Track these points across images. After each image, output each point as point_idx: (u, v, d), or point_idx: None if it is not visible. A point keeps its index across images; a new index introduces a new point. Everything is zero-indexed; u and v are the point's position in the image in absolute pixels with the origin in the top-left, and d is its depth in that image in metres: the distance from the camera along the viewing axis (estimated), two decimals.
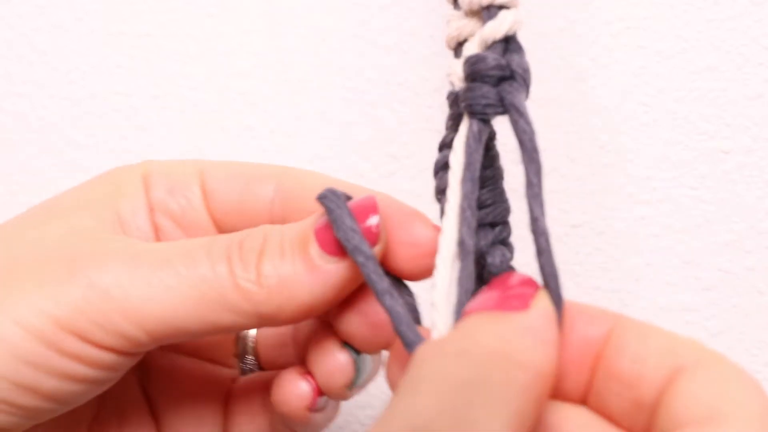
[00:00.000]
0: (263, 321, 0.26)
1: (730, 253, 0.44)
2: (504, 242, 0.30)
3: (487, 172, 0.29)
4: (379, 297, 0.25)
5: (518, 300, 0.24)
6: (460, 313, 0.24)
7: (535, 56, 0.44)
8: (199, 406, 0.32)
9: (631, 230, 0.45)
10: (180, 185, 0.31)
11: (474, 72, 0.27)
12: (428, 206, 0.45)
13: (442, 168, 0.28)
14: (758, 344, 0.45)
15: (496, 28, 0.27)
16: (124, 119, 0.47)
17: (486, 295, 0.24)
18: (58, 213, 0.29)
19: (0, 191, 0.48)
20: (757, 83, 0.43)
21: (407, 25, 0.45)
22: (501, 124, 0.28)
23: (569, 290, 0.45)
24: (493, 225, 0.29)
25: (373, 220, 0.27)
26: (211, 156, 0.46)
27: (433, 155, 0.45)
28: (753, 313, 0.45)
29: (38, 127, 0.47)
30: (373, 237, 0.27)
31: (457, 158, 0.27)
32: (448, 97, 0.29)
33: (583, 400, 0.24)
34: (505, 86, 0.26)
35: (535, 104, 0.44)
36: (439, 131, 0.45)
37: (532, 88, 0.44)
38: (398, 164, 0.45)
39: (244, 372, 0.33)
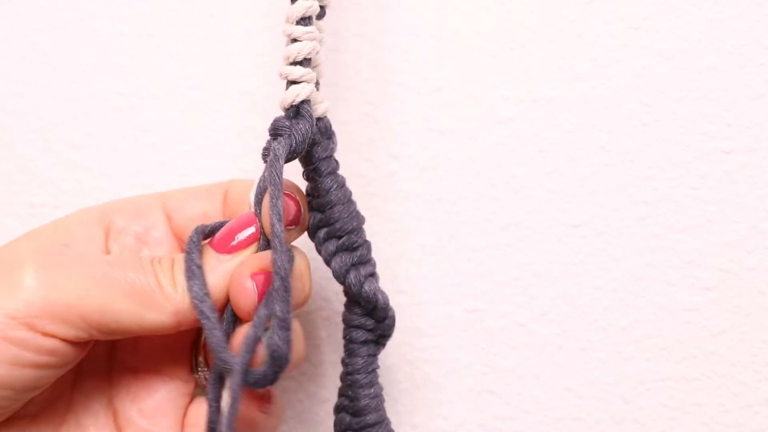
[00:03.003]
0: (177, 321, 0.33)
1: (730, 253, 0.44)
2: (349, 249, 0.38)
3: (322, 199, 0.38)
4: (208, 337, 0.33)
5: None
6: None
7: (535, 56, 0.44)
8: (162, 420, 0.37)
9: (632, 230, 0.45)
10: (141, 212, 0.38)
11: (270, 131, 0.37)
12: (429, 206, 0.46)
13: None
14: (759, 344, 0.45)
15: (284, 98, 0.37)
16: (124, 119, 0.47)
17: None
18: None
19: (0, 191, 0.48)
20: (758, 83, 0.43)
21: (408, 25, 0.45)
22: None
23: (570, 290, 0.45)
24: (338, 237, 0.38)
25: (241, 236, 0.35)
26: (212, 156, 0.46)
27: (434, 155, 0.45)
28: (754, 313, 0.45)
29: (38, 127, 0.47)
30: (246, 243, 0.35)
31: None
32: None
33: None
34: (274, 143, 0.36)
35: (536, 104, 0.44)
36: (440, 131, 0.45)
37: (533, 88, 0.44)
38: (398, 164, 0.45)
39: (198, 383, 0.38)
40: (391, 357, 0.46)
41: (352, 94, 0.45)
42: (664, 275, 0.45)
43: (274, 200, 0.33)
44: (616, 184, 0.44)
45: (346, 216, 0.38)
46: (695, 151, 0.44)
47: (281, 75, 0.37)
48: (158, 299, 0.33)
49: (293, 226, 0.37)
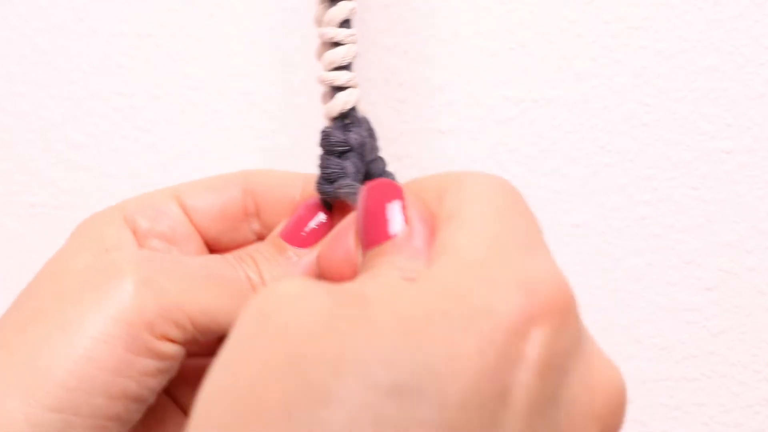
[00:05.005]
0: None
1: (731, 254, 0.44)
2: None
3: None
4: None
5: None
6: None
7: (535, 56, 0.44)
8: None
9: (632, 230, 0.45)
10: (161, 211, 0.35)
11: (322, 146, 0.35)
12: None
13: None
14: (759, 344, 0.45)
15: (332, 107, 0.35)
16: (124, 119, 0.47)
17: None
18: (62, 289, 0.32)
19: (0, 191, 0.48)
20: (758, 83, 0.43)
21: (408, 25, 0.45)
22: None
23: None
24: None
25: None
26: (212, 156, 0.46)
27: (434, 155, 0.45)
28: (754, 313, 0.45)
29: (39, 127, 0.47)
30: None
31: None
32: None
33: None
34: (344, 161, 0.34)
35: (536, 104, 0.44)
36: (440, 131, 0.45)
37: (533, 88, 0.44)
38: (398, 164, 0.45)
39: None
40: None
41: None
42: (665, 275, 0.45)
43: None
44: (617, 184, 0.44)
45: None
46: (695, 151, 0.44)
47: (323, 81, 0.35)
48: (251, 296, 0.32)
49: None
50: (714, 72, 0.43)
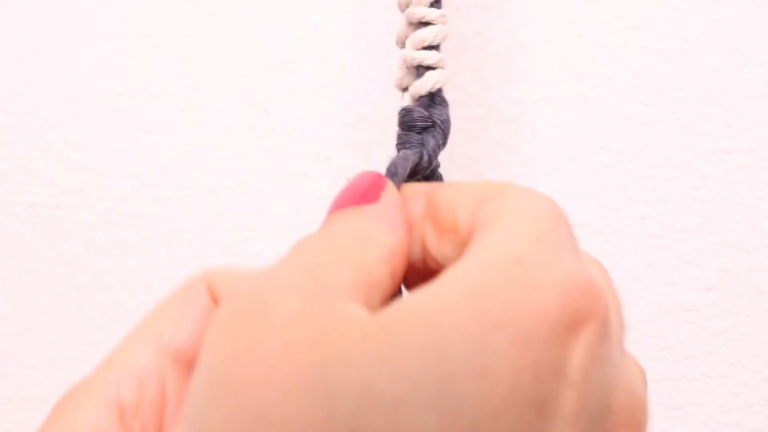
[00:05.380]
0: None
1: (731, 253, 0.44)
2: None
3: None
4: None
5: (370, 193, 0.26)
6: None
7: (536, 56, 0.44)
8: None
9: (632, 230, 0.45)
10: (146, 378, 0.31)
11: (403, 123, 0.33)
12: None
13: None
14: (759, 344, 0.45)
15: (422, 86, 0.33)
16: (124, 119, 0.47)
17: (342, 194, 0.27)
18: None
19: (0, 191, 0.48)
20: (758, 83, 0.43)
21: None
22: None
23: None
24: None
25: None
26: (212, 156, 0.46)
27: None
28: (754, 313, 0.45)
29: (39, 127, 0.47)
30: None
31: None
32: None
33: (425, 262, 0.26)
34: (426, 135, 0.33)
35: (536, 104, 0.44)
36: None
37: (533, 88, 0.44)
38: None
39: None
40: None
41: (354, 94, 0.45)
42: (665, 275, 0.45)
43: None
44: (617, 184, 0.44)
45: None
46: (695, 151, 0.44)
47: (411, 61, 0.34)
48: None
49: None
50: (714, 72, 0.43)
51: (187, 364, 0.30)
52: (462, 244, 0.24)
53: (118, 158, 0.47)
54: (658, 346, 0.45)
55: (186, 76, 0.46)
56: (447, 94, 0.45)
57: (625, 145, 0.44)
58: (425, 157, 0.32)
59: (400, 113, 0.33)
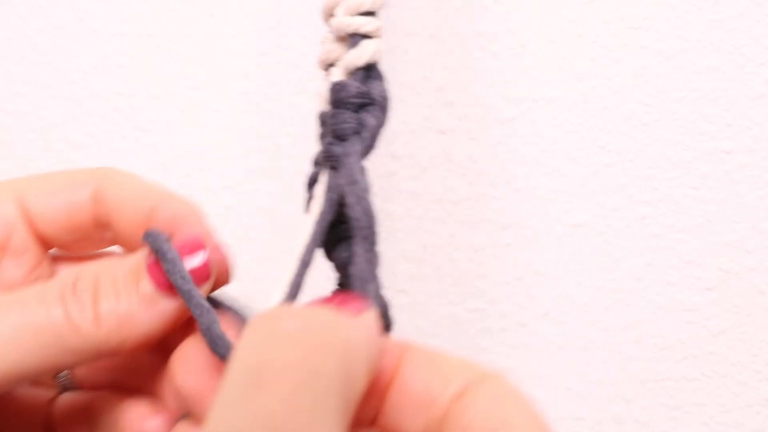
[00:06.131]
0: (104, 356, 0.27)
1: (731, 253, 0.44)
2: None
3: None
4: (204, 333, 0.26)
5: (353, 306, 0.25)
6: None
7: (536, 56, 0.44)
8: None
9: (632, 230, 0.45)
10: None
11: (337, 99, 0.28)
12: (429, 206, 0.46)
13: (311, 184, 0.30)
14: (759, 344, 0.45)
15: (358, 56, 0.29)
16: (124, 119, 0.47)
17: (325, 299, 0.26)
18: None
19: None
20: (758, 83, 0.43)
21: (407, 25, 0.44)
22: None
23: (571, 290, 0.45)
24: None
25: (198, 259, 0.28)
26: (212, 156, 0.46)
27: (434, 155, 0.45)
28: (754, 313, 0.45)
29: (39, 127, 0.47)
30: (202, 274, 0.28)
31: (318, 198, 0.29)
32: (318, 117, 0.31)
33: (372, 423, 0.25)
34: (364, 113, 0.28)
35: (536, 104, 0.44)
36: (440, 131, 0.45)
37: (533, 88, 0.44)
38: (398, 164, 0.45)
39: (63, 389, 0.32)
40: None
41: None
42: (665, 275, 0.45)
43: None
44: (617, 184, 0.44)
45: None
46: (695, 151, 0.44)
47: (346, 28, 0.29)
48: (71, 342, 0.26)
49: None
50: (714, 72, 0.43)
51: (46, 237, 0.29)
52: (432, 423, 0.24)
53: (118, 158, 0.47)
54: (658, 346, 0.45)
55: (186, 76, 0.46)
56: (447, 95, 0.45)
57: (625, 145, 0.44)
58: (367, 142, 0.28)
59: (331, 88, 0.29)
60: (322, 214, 0.28)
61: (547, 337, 0.46)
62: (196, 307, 0.26)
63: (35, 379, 0.27)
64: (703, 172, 0.44)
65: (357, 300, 0.26)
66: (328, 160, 0.29)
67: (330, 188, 0.28)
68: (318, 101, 0.30)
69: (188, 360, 0.27)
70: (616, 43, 0.44)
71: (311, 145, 0.46)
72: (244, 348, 0.22)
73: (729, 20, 0.43)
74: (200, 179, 0.47)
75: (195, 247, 0.28)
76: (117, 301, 0.27)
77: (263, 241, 0.47)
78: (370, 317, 0.25)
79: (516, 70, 0.44)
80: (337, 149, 0.28)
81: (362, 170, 0.28)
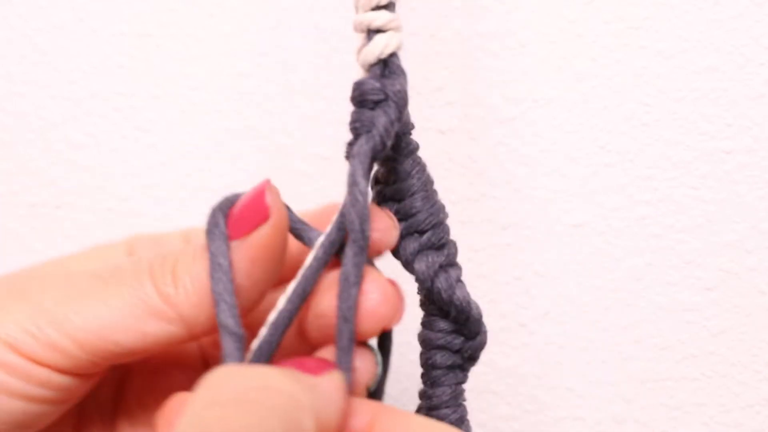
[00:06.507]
0: (187, 326, 0.28)
1: (731, 253, 0.44)
2: (435, 247, 0.31)
3: (400, 184, 0.30)
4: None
5: (315, 366, 0.26)
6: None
7: (536, 56, 0.44)
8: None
9: (632, 230, 0.45)
10: (164, 240, 0.33)
11: (353, 98, 0.29)
12: None
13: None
14: (759, 344, 0.45)
15: (370, 51, 0.29)
16: (124, 119, 0.47)
17: (289, 360, 0.27)
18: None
19: (0, 191, 0.48)
20: (758, 83, 0.43)
21: (408, 25, 0.44)
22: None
23: (571, 290, 0.45)
24: (421, 232, 0.30)
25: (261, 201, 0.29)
26: (212, 156, 0.46)
27: (434, 155, 0.45)
28: (754, 313, 0.45)
29: (39, 127, 0.47)
30: (259, 217, 0.29)
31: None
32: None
33: None
34: (377, 112, 0.28)
35: (536, 104, 0.44)
36: (440, 131, 0.45)
37: (533, 88, 0.44)
38: None
39: None
40: (392, 357, 0.46)
41: None
42: (665, 275, 0.45)
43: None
44: (617, 184, 0.44)
45: (429, 206, 0.30)
46: (695, 151, 0.44)
47: (360, 24, 0.29)
48: (157, 305, 0.27)
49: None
50: (714, 72, 0.43)
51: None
52: None
53: (119, 158, 0.47)
54: (658, 346, 0.45)
55: (186, 76, 0.46)
56: (447, 95, 0.45)
57: (625, 145, 0.44)
58: (377, 140, 0.28)
59: (352, 87, 0.29)
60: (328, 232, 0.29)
61: (547, 337, 0.46)
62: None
63: (126, 352, 0.28)
64: (703, 172, 0.44)
65: (320, 361, 0.26)
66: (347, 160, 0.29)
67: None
68: None
69: None
70: (616, 43, 0.44)
71: (311, 145, 0.46)
72: (191, 411, 0.22)
73: (729, 20, 0.43)
74: (200, 179, 0.47)
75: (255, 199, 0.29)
76: (192, 263, 0.28)
77: None
78: (332, 377, 0.25)
79: (516, 70, 0.44)
80: (348, 149, 0.29)
81: (365, 172, 0.28)
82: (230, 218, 0.29)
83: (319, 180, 0.46)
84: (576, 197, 0.45)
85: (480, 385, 0.46)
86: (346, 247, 0.28)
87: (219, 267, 0.27)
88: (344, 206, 0.28)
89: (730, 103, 0.43)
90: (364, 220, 0.27)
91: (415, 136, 0.45)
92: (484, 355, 0.46)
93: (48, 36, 0.47)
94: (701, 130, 0.44)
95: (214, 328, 0.28)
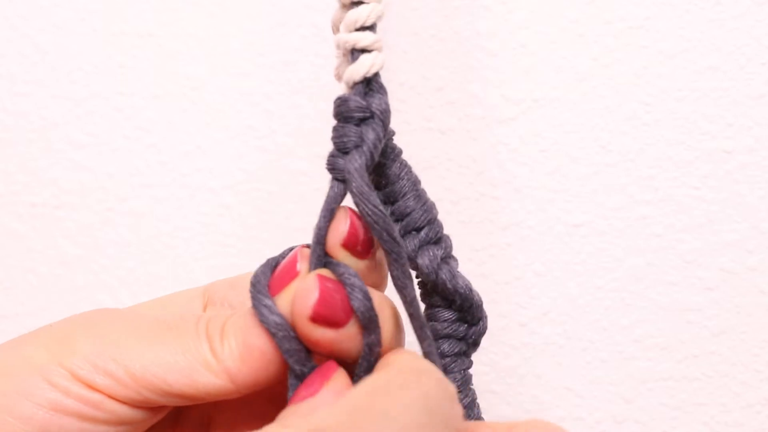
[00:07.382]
0: (232, 379, 0.30)
1: (732, 253, 0.44)
2: (433, 242, 0.33)
3: (391, 187, 0.32)
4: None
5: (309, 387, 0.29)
6: None
7: (536, 56, 0.44)
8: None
9: (633, 230, 0.45)
10: (239, 283, 0.35)
11: (338, 114, 0.30)
12: None
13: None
14: (760, 344, 0.45)
15: (356, 70, 0.30)
16: (125, 119, 0.47)
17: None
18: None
19: (1, 191, 0.48)
20: (759, 83, 0.43)
21: (407, 25, 0.44)
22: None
23: (571, 290, 0.45)
24: (418, 229, 0.32)
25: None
26: (212, 156, 0.46)
27: (434, 155, 0.45)
28: (755, 313, 0.45)
29: (40, 126, 0.47)
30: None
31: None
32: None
33: None
34: (365, 127, 0.30)
35: (536, 104, 0.44)
36: (440, 131, 0.45)
37: (533, 88, 0.44)
38: None
39: None
40: None
41: None
42: (666, 275, 0.45)
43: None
44: (618, 183, 0.44)
45: (422, 204, 0.32)
46: (696, 150, 0.44)
47: (345, 44, 0.31)
48: (207, 358, 0.30)
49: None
50: (715, 72, 0.43)
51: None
52: None
53: (119, 158, 0.47)
54: (658, 346, 0.45)
55: (186, 76, 0.46)
56: (447, 95, 0.45)
57: (626, 144, 0.44)
58: (368, 155, 0.30)
59: (335, 102, 0.31)
60: (319, 225, 0.30)
61: (547, 337, 0.46)
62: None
63: (177, 394, 0.30)
64: (704, 172, 0.44)
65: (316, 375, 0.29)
66: (331, 172, 0.30)
67: (329, 199, 0.30)
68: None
69: None
70: (617, 42, 0.43)
71: (311, 145, 0.46)
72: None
73: (730, 20, 0.43)
74: (200, 179, 0.47)
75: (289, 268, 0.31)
76: (239, 330, 0.30)
77: (263, 242, 0.47)
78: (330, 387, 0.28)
79: (516, 70, 0.44)
80: (340, 162, 0.30)
81: (369, 185, 0.29)
82: (272, 279, 0.31)
83: (319, 180, 0.46)
84: (576, 197, 0.45)
85: (480, 385, 0.46)
86: (388, 265, 0.30)
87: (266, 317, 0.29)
88: (364, 217, 0.29)
89: (731, 103, 0.43)
90: (392, 229, 0.29)
91: (416, 135, 0.45)
92: (485, 355, 0.46)
93: (49, 36, 0.47)
94: (702, 129, 0.44)
95: (258, 383, 0.30)
